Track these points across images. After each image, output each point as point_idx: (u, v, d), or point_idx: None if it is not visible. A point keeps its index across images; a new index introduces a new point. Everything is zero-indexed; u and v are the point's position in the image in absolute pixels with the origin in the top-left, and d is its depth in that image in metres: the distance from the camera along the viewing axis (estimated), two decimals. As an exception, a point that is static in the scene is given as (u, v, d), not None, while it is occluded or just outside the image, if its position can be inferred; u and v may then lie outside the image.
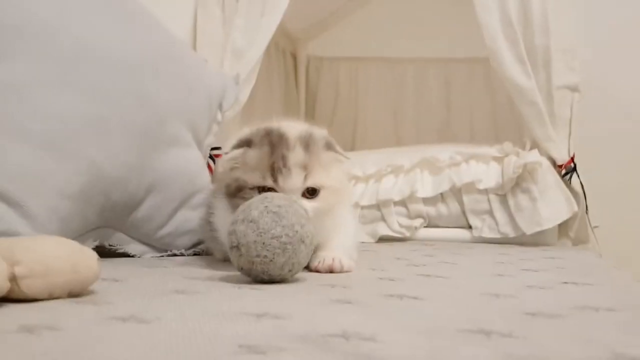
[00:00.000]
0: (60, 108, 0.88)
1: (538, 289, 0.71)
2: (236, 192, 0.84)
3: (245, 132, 0.87)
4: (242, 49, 1.61)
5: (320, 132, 0.87)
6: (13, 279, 0.55)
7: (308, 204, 0.82)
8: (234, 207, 0.80)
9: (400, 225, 1.48)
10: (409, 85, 2.33)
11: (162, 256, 1.08)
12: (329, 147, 0.86)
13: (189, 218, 1.11)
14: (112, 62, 0.96)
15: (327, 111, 2.41)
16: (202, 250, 1.13)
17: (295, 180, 0.81)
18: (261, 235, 0.70)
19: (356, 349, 0.40)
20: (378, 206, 1.49)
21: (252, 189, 0.82)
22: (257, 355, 0.38)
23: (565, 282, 0.77)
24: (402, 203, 1.50)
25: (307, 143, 0.83)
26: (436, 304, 0.60)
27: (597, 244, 1.47)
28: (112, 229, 1.01)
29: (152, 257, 1.07)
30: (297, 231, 0.71)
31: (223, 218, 0.87)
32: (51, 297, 0.58)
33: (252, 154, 0.83)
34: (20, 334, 0.44)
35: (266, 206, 0.72)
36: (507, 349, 0.41)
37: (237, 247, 0.71)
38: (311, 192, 0.83)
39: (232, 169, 0.85)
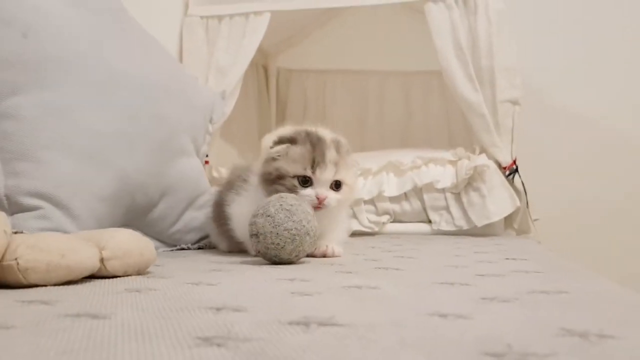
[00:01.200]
0: (97, 126, 1.05)
1: (486, 263, 0.92)
2: (276, 180, 1.01)
3: (286, 131, 1.05)
4: (225, 67, 1.78)
5: (344, 140, 1.08)
6: (101, 260, 0.74)
7: (333, 195, 1.01)
8: (270, 193, 0.99)
9: (370, 221, 1.65)
10: (371, 95, 2.46)
11: (172, 250, 1.26)
12: (349, 152, 1.06)
13: (195, 217, 1.29)
14: (136, 86, 1.13)
15: (297, 119, 2.54)
16: (205, 244, 1.32)
17: (329, 173, 1.01)
18: (276, 228, 0.89)
19: (367, 292, 0.61)
20: (350, 205, 1.68)
21: (292, 177, 1.01)
22: (308, 296, 0.58)
23: (507, 258, 1.00)
24: (371, 202, 1.66)
25: (337, 146, 1.03)
26: (413, 272, 0.81)
27: (537, 234, 1.68)
28: (133, 227, 1.18)
29: (164, 250, 1.25)
30: (304, 225, 0.91)
31: (241, 208, 1.06)
32: (125, 275, 0.77)
33: (296, 150, 1.01)
34: (130, 293, 0.62)
35: (281, 204, 0.91)
36: (465, 291, 0.62)
37: (256, 235, 0.91)
38: (337, 186, 1.03)
39: (273, 160, 1.02)
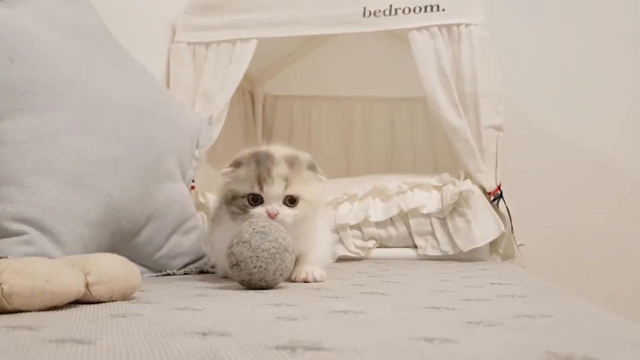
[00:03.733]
0: (83, 150, 1.04)
1: (472, 288, 0.93)
2: (232, 200, 1.03)
3: (237, 154, 1.07)
4: (211, 93, 1.79)
5: (305, 155, 1.08)
6: (86, 285, 0.73)
7: (288, 210, 1.01)
8: (232, 213, 1.02)
9: (356, 246, 1.65)
10: (357, 121, 2.48)
11: (158, 275, 1.25)
12: (310, 167, 1.06)
13: (181, 242, 1.29)
14: (122, 110, 1.14)
15: (283, 144, 2.58)
16: (191, 270, 1.31)
17: (277, 188, 1.00)
18: (254, 251, 0.89)
19: (354, 317, 0.61)
20: (336, 230, 1.65)
21: (242, 197, 1.01)
22: (295, 321, 0.58)
23: (493, 283, 1.00)
24: (357, 227, 1.67)
25: (291, 162, 1.03)
26: (399, 296, 0.81)
27: (522, 259, 1.69)
28: (118, 252, 1.16)
29: (149, 276, 1.24)
30: (281, 243, 0.91)
31: (221, 239, 1.06)
32: (111, 300, 0.76)
33: (242, 170, 1.03)
34: (115, 318, 0.62)
35: (254, 228, 0.92)
36: (451, 315, 0.63)
37: (236, 264, 0.91)
38: (291, 201, 1.02)
39: (227, 183, 1.05)
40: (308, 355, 0.43)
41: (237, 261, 0.90)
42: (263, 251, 0.89)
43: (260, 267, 0.89)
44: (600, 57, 2.34)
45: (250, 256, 0.89)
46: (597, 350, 0.44)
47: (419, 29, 1.70)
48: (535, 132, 2.34)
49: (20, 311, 0.64)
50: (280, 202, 1.01)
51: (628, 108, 2.33)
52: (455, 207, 1.62)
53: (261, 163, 1.01)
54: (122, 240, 1.15)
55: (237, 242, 0.91)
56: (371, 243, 1.68)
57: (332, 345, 0.46)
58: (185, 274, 1.29)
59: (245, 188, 1.01)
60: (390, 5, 1.72)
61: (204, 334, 0.51)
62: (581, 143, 2.33)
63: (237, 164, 1.05)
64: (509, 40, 2.29)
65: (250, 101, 2.54)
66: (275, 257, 0.90)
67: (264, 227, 0.92)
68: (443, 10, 1.68)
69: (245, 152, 1.07)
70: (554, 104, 2.35)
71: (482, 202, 1.64)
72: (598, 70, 2.34)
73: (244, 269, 0.90)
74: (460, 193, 1.60)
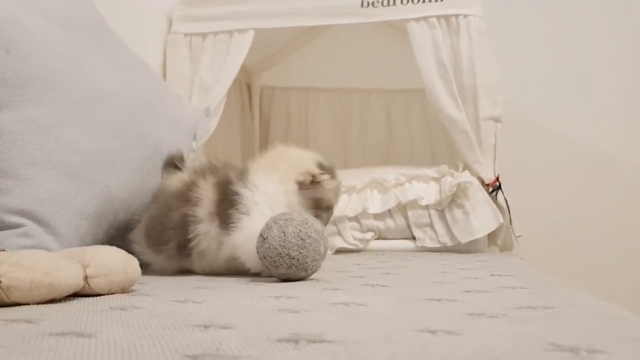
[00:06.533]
0: (80, 143, 1.03)
1: (472, 279, 0.93)
2: (326, 209, 1.09)
3: (311, 157, 1.11)
4: (208, 85, 1.78)
5: None
6: (85, 278, 0.73)
7: None
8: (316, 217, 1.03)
9: (354, 238, 1.64)
10: (354, 113, 2.47)
11: (156, 268, 1.25)
12: None
13: (178, 234, 1.28)
14: (119, 104, 1.13)
15: (280, 137, 2.55)
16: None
17: None
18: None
19: (355, 309, 0.61)
20: (334, 222, 1.64)
21: (329, 207, 1.11)
22: (296, 313, 0.58)
23: (492, 275, 1.00)
24: (355, 219, 1.65)
25: None
26: (399, 288, 0.81)
27: (520, 250, 1.69)
28: (116, 245, 1.15)
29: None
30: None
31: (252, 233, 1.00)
32: (109, 293, 0.76)
33: (333, 183, 1.10)
34: (115, 311, 0.61)
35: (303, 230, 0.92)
36: (452, 307, 0.62)
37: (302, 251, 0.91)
38: None
39: (323, 189, 1.07)
40: (311, 347, 0.43)
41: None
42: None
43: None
44: (598, 50, 2.34)
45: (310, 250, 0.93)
46: (601, 342, 0.43)
47: (417, 19, 1.69)
48: (533, 125, 2.34)
49: (19, 304, 0.64)
50: None
51: (627, 102, 2.33)
52: (454, 199, 1.61)
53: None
54: (118, 233, 1.15)
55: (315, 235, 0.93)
56: (369, 235, 1.67)
57: (335, 338, 0.45)
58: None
59: (333, 200, 1.09)
60: (389, -4, 1.71)
61: (206, 327, 0.51)
62: (580, 136, 2.33)
63: (331, 173, 1.10)
64: (508, 34, 2.28)
65: (247, 93, 2.53)
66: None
67: (312, 231, 0.94)
68: (441, 0, 1.67)
69: (320, 160, 1.11)
70: (553, 98, 2.35)
71: (481, 194, 1.63)
72: (597, 64, 2.34)
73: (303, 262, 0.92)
74: (459, 185, 1.58)
